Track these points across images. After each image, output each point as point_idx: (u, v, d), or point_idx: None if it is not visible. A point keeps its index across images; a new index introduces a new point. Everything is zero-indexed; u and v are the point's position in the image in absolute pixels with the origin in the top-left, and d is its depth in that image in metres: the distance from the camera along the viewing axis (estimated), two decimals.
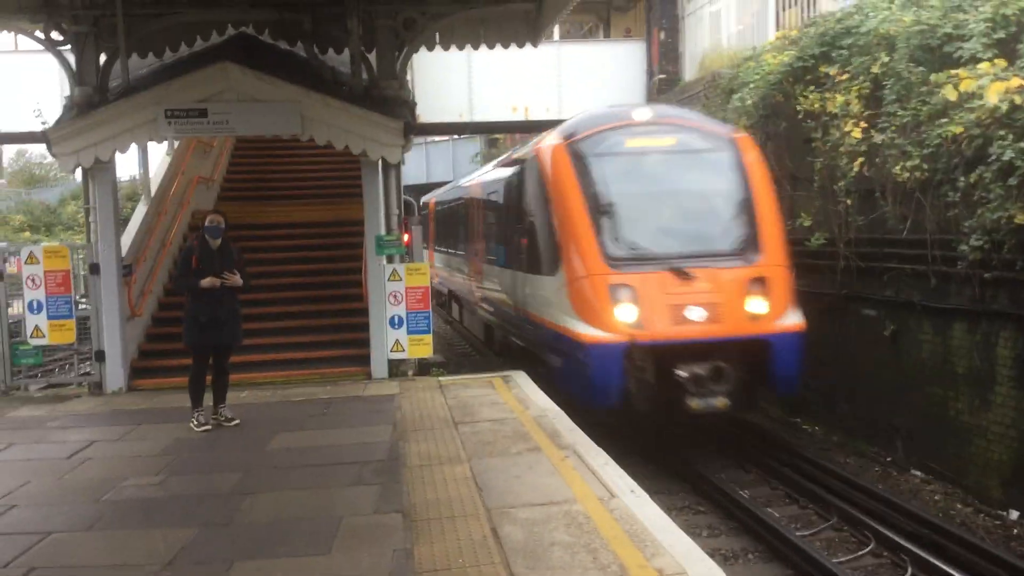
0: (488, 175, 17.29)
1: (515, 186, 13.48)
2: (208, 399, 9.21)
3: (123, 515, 6.50)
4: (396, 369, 11.79)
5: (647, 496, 6.43)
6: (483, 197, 16.72)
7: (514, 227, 13.44)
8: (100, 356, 11.33)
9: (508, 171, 14.32)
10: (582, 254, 10.80)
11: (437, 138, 42.28)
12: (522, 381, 11.28)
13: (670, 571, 5.04)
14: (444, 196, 24.49)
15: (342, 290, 13.41)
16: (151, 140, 11.18)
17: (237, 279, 8.79)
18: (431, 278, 12.59)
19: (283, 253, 14.40)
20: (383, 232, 11.64)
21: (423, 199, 29.73)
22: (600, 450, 7.77)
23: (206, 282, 8.69)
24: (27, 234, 38.77)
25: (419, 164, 44.02)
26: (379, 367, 11.67)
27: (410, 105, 11.68)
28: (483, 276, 16.48)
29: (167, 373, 11.38)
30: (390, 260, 11.65)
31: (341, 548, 5.60)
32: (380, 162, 11.46)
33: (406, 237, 12.04)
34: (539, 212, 11.96)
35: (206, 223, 8.88)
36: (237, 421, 9.18)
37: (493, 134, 34.02)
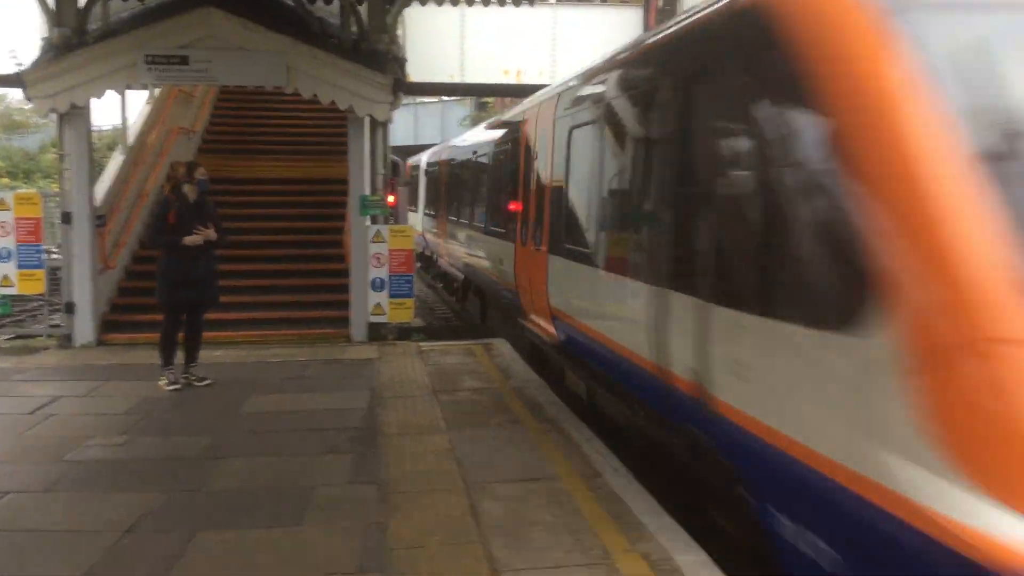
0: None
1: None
2: (180, 357, 8.91)
3: (85, 477, 6.21)
4: (376, 333, 11.51)
5: (631, 475, 6.20)
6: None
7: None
8: (70, 308, 10.97)
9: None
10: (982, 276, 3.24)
11: (426, 99, 41.73)
12: (504, 349, 11.03)
13: (655, 556, 4.81)
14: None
15: (324, 250, 13.08)
16: (129, 86, 10.76)
17: (212, 234, 8.44)
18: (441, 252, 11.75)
19: (264, 210, 14.02)
20: (368, 192, 11.31)
21: (420, 158, 25.15)
22: (583, 425, 7.54)
23: (189, 240, 8.32)
24: (5, 180, 38.05)
25: (407, 125, 43.42)
26: (359, 330, 11.39)
27: (400, 61, 11.31)
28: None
29: (139, 328, 11.04)
30: (374, 221, 11.33)
31: (313, 520, 5.35)
32: (367, 119, 11.10)
33: (391, 198, 11.71)
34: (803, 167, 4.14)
35: (196, 176, 8.50)
36: (209, 381, 8.89)
37: (484, 97, 33.50)
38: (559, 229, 8.58)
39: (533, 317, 9.85)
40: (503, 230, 11.61)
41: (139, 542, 5.04)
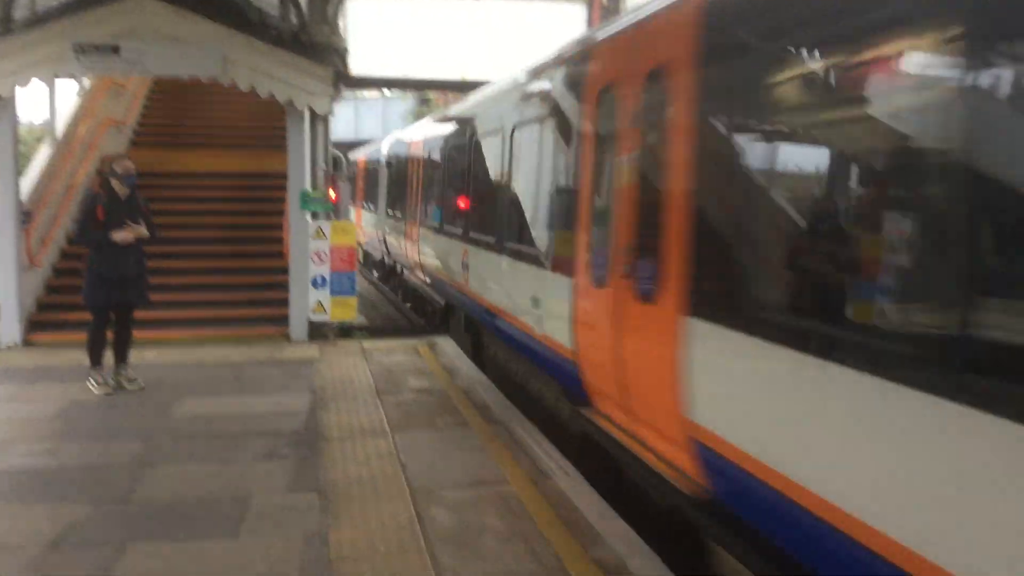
0: None
1: None
2: (110, 358, 8.52)
3: (6, 486, 5.84)
4: (317, 332, 11.21)
5: (581, 478, 6.06)
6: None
7: None
8: None
9: None
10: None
11: (367, 94, 41.24)
12: (449, 348, 10.84)
13: (609, 563, 4.67)
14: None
15: (262, 246, 12.71)
16: (57, 76, 10.29)
17: (143, 230, 8.07)
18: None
19: (200, 205, 13.59)
20: (308, 187, 11.00)
21: (378, 148, 21.13)
22: (532, 426, 7.38)
23: (120, 236, 7.95)
24: None
25: (348, 120, 42.86)
26: (299, 329, 11.08)
27: (342, 53, 11.01)
28: None
29: (67, 328, 10.56)
30: (315, 217, 11.03)
31: (249, 531, 5.09)
32: (307, 112, 10.79)
33: (332, 194, 11.41)
34: None
35: (119, 171, 8.10)
36: (141, 383, 8.52)
37: (428, 91, 33.20)
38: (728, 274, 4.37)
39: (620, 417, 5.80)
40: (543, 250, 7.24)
41: (65, 557, 4.73)
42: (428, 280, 13.39)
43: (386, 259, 19.09)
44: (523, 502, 5.55)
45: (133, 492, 5.73)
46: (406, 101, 41.79)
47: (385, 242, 18.17)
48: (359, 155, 25.67)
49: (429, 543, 4.90)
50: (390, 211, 17.60)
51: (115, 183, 8.07)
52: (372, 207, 20.69)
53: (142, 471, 6.11)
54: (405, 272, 16.75)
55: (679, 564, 4.79)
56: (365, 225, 21.67)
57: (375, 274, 22.75)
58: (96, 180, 8.40)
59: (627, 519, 5.32)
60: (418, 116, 31.15)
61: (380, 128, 39.35)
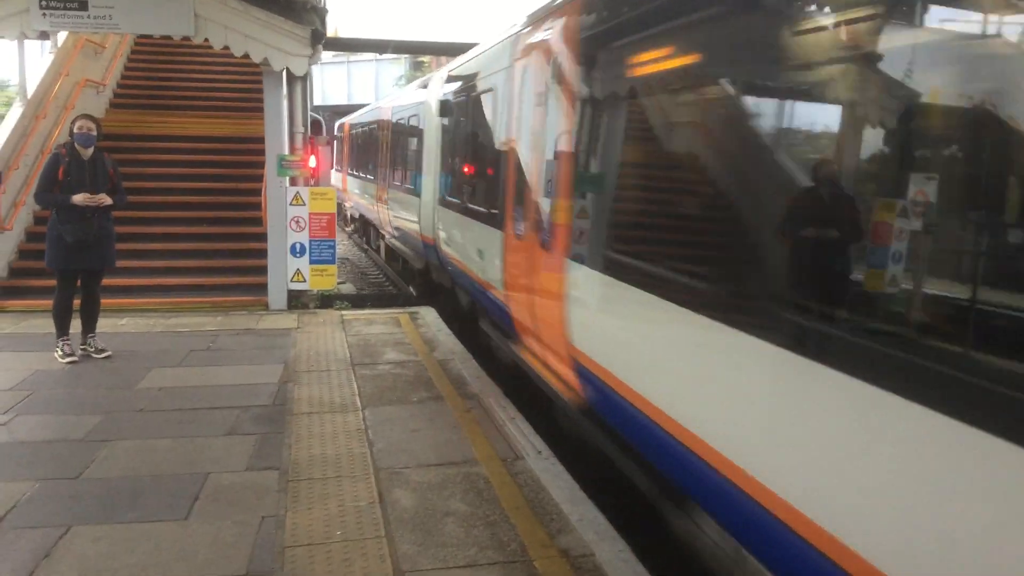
0: None
1: None
2: (77, 326, 8.25)
3: None
4: (296, 301, 10.94)
5: (555, 458, 5.81)
6: None
7: None
8: None
9: None
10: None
11: (361, 57, 40.62)
12: (431, 318, 10.56)
13: (576, 552, 4.43)
14: None
15: (241, 212, 12.37)
16: (24, 33, 9.87)
17: (105, 199, 7.74)
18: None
19: (178, 169, 13.19)
20: (286, 151, 10.65)
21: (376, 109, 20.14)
22: (508, 401, 7.12)
23: (79, 198, 7.63)
24: None
25: (340, 84, 42.27)
26: (277, 298, 10.80)
27: (320, 12, 10.60)
28: None
29: (39, 294, 10.23)
30: (293, 182, 10.70)
31: (201, 513, 4.84)
32: (284, 73, 10.41)
33: (312, 159, 11.06)
34: None
35: (74, 129, 7.77)
36: (109, 353, 8.25)
37: (414, 54, 32.65)
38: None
39: None
40: None
41: (3, 539, 4.48)
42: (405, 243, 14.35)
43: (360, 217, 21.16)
44: (492, 484, 5.31)
45: (86, 469, 5.47)
46: (400, 64, 41.21)
47: (376, 208, 18.04)
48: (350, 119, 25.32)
49: (389, 528, 4.65)
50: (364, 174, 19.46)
51: (77, 144, 7.74)
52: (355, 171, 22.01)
53: (98, 447, 5.85)
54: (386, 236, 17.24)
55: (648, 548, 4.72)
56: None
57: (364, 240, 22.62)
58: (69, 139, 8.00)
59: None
60: (410, 80, 30.70)
61: (373, 92, 38.82)
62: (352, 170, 22.95)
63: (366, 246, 22.19)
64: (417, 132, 12.92)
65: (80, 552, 4.35)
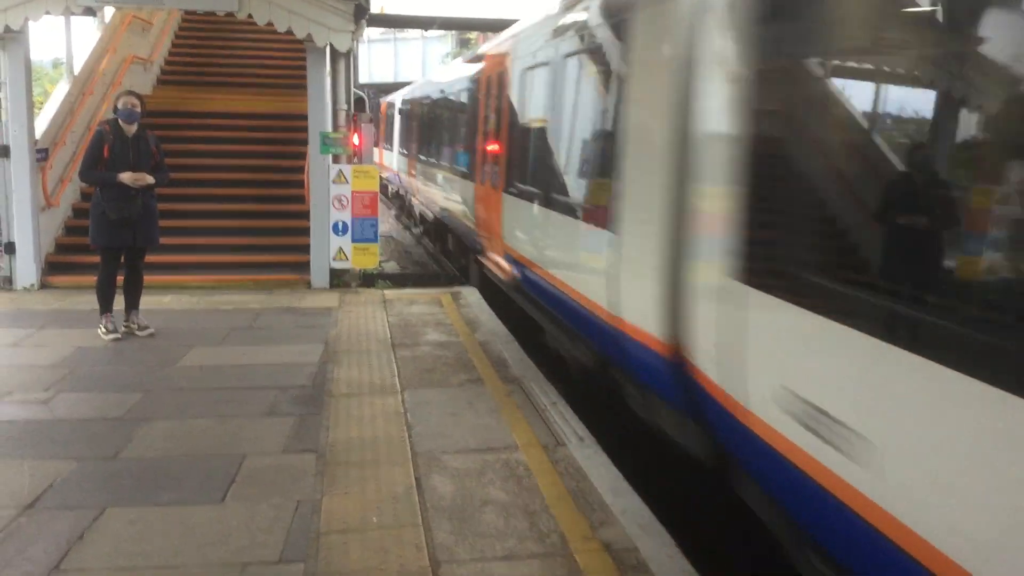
0: None
1: None
2: (120, 303, 8.25)
3: None
4: (338, 279, 10.88)
5: (597, 446, 5.64)
6: None
7: None
8: (10, 248, 10.26)
9: None
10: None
11: (408, 35, 40.50)
12: (473, 299, 10.43)
13: (619, 546, 4.27)
14: None
15: (285, 190, 12.32)
16: (69, 9, 9.87)
17: (148, 178, 7.70)
18: None
19: (223, 146, 13.20)
20: (329, 129, 10.56)
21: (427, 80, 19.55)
22: (550, 386, 6.97)
23: (125, 176, 7.60)
24: None
25: (387, 61, 42.22)
26: (319, 276, 10.75)
27: None
28: None
29: (85, 270, 10.29)
30: (336, 160, 10.61)
31: (237, 496, 4.77)
32: (328, 49, 10.30)
33: (356, 137, 10.95)
34: None
35: (118, 106, 7.74)
36: (151, 330, 8.25)
37: (460, 31, 32.38)
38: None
39: None
40: None
41: (38, 520, 4.44)
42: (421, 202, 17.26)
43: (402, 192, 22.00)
44: (532, 471, 5.16)
45: (123, 448, 5.43)
46: (447, 42, 41.02)
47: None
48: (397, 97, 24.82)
49: (426, 516, 4.53)
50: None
51: (121, 121, 7.70)
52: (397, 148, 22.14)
53: (136, 426, 5.81)
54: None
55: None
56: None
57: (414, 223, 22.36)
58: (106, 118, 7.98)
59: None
60: (456, 57, 30.46)
61: (420, 69, 38.70)
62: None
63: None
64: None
65: (114, 534, 4.29)
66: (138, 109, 7.73)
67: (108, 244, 7.85)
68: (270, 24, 9.85)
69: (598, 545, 4.26)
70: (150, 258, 8.44)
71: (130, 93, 7.84)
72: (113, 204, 7.65)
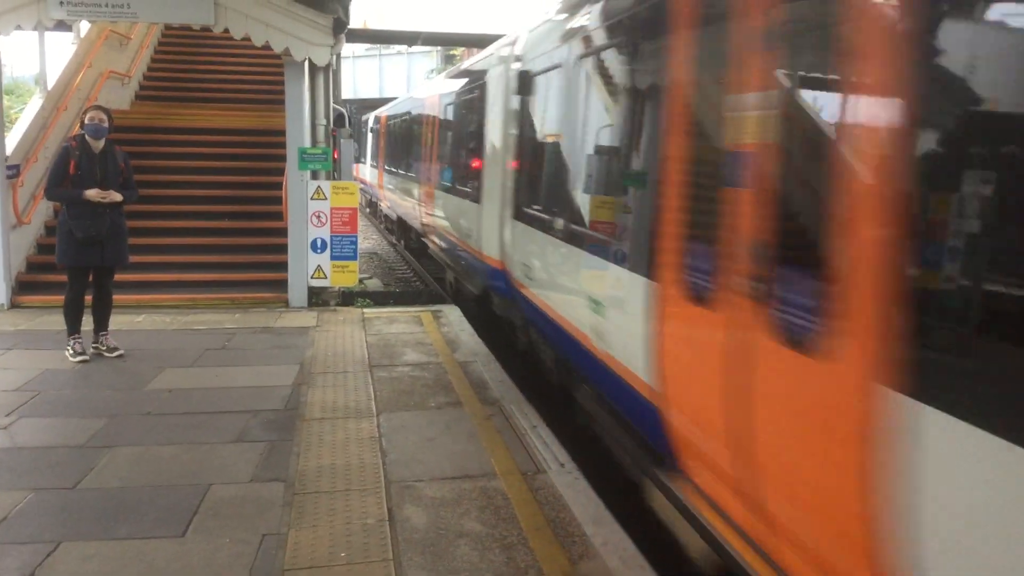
0: None
1: None
2: (90, 323, 8.01)
3: None
4: (317, 298, 10.67)
5: (579, 472, 5.44)
6: None
7: None
8: None
9: None
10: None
11: (392, 51, 40.42)
12: (454, 317, 10.23)
13: None
14: None
15: (263, 206, 12.09)
16: (42, 23, 9.65)
17: (115, 195, 7.49)
18: None
19: (200, 162, 12.98)
20: (307, 144, 10.37)
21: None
22: (531, 408, 6.77)
23: (92, 193, 7.39)
24: None
25: (372, 77, 42.09)
26: (297, 295, 10.53)
27: (343, 1, 10.29)
28: None
29: (57, 289, 9.88)
30: (315, 176, 10.41)
31: (200, 529, 4.54)
32: (307, 64, 10.12)
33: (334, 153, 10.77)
34: None
35: (85, 121, 7.52)
36: (121, 352, 8.01)
37: (442, 46, 32.30)
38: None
39: None
40: None
41: None
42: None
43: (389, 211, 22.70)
44: (510, 500, 4.96)
45: (83, 478, 5.20)
46: (432, 58, 40.95)
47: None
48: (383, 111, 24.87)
49: (397, 550, 4.32)
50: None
51: (88, 136, 7.49)
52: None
53: (99, 453, 5.58)
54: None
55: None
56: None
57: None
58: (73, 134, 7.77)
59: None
60: (441, 72, 30.37)
61: (405, 85, 38.57)
62: (392, 167, 20.62)
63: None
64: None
65: (66, 572, 4.06)
66: (105, 124, 7.52)
67: (75, 263, 7.62)
68: (247, 38, 9.67)
69: None
70: (123, 277, 8.21)
71: (97, 108, 7.63)
72: (79, 222, 7.42)
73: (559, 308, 6.27)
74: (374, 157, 24.63)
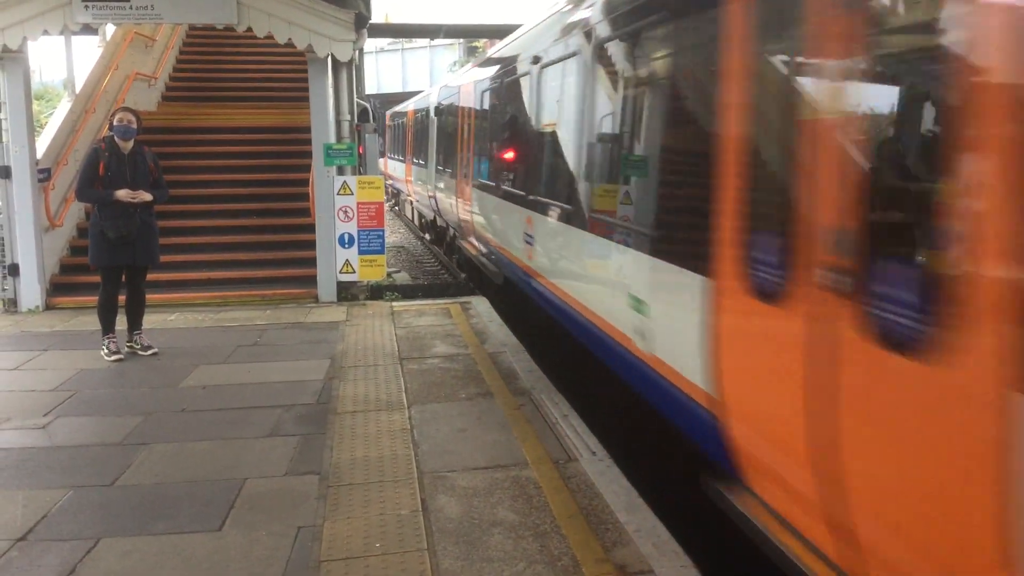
0: None
1: None
2: (124, 323, 8.11)
3: None
4: (346, 292, 10.72)
5: (610, 460, 5.43)
6: None
7: None
8: (14, 270, 10.16)
9: None
10: None
11: (415, 45, 40.44)
12: (482, 309, 10.25)
13: (633, 568, 4.06)
14: None
15: (290, 203, 12.18)
16: (68, 27, 9.75)
17: (145, 195, 7.57)
18: None
19: (228, 160, 13.09)
20: (332, 140, 10.41)
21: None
22: (561, 397, 6.76)
23: (122, 194, 7.48)
24: None
25: (395, 71, 42.16)
26: (326, 290, 10.59)
27: None
28: None
29: (91, 290, 10.03)
30: (341, 172, 10.46)
31: (235, 523, 4.59)
32: (330, 60, 10.15)
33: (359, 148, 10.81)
34: None
35: (113, 122, 7.61)
36: (155, 350, 8.10)
37: (464, 38, 32.26)
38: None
39: None
40: None
41: (30, 554, 4.27)
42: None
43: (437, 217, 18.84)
44: (543, 489, 4.96)
45: (121, 475, 5.27)
46: (454, 51, 40.93)
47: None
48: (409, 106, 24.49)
49: (431, 540, 4.34)
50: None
51: (117, 137, 7.57)
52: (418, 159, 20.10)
53: (134, 451, 5.65)
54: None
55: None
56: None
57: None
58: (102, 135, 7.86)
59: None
60: (463, 66, 30.35)
61: (428, 79, 38.61)
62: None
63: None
64: None
65: (106, 568, 4.12)
66: (133, 125, 7.60)
67: (107, 263, 7.72)
68: (270, 36, 9.73)
69: (611, 568, 4.05)
70: (155, 276, 8.30)
71: (125, 109, 7.72)
72: (111, 223, 7.51)
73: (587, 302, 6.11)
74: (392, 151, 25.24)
